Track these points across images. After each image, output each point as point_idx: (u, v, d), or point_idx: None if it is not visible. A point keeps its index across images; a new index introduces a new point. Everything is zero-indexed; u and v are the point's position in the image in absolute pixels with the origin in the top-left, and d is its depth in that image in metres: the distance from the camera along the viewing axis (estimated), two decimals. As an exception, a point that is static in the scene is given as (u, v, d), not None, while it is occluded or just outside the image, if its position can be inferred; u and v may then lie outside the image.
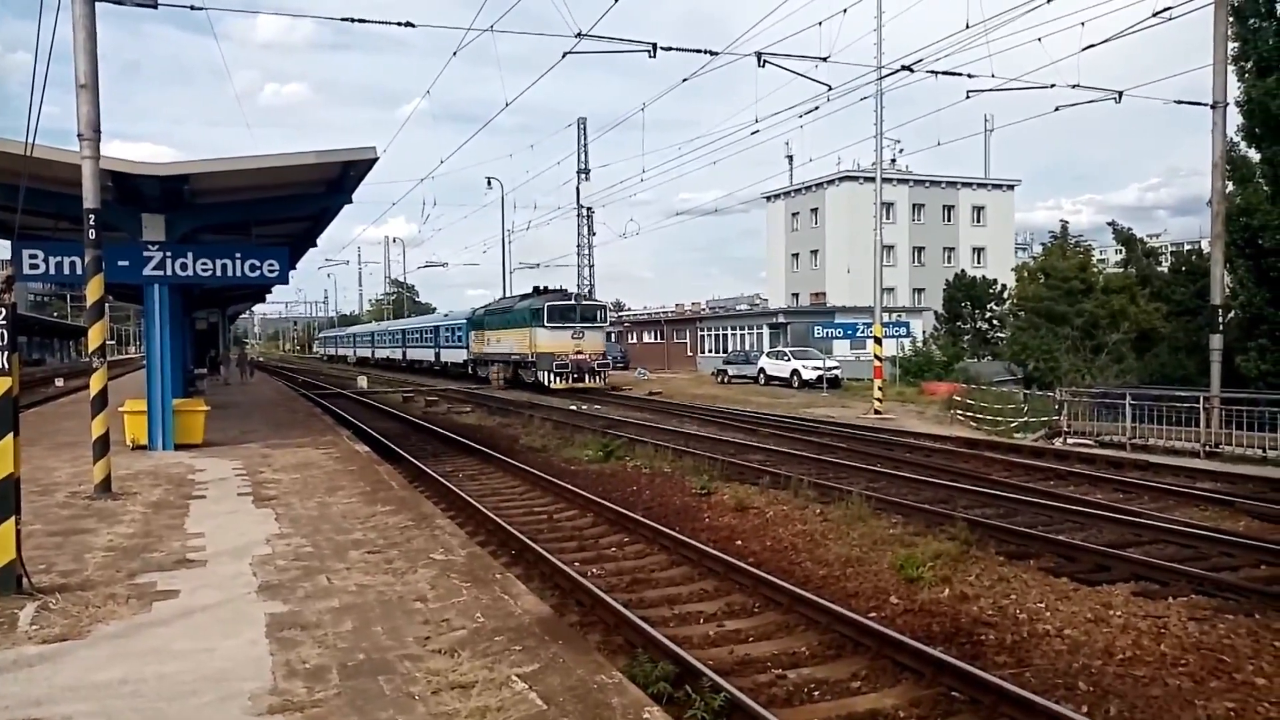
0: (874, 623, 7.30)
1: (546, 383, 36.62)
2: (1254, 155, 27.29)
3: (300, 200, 16.87)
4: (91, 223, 10.52)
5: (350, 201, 16.29)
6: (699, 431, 21.34)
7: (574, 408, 28.68)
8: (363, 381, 43.66)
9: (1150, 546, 9.92)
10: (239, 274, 15.34)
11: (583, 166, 57.40)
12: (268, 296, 49.17)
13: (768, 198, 71.93)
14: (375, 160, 13.92)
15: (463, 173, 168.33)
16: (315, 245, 22.82)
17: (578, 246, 59.30)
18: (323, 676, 5.02)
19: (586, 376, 37.02)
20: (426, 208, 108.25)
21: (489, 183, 53.84)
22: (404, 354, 63.74)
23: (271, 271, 15.60)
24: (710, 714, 5.61)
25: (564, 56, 17.22)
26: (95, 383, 10.70)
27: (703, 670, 6.17)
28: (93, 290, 10.58)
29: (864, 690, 6.34)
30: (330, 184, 15.72)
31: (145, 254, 14.45)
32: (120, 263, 14.15)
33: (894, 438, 20.07)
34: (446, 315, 58.56)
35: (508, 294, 61.19)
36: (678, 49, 17.61)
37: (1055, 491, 13.18)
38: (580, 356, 36.88)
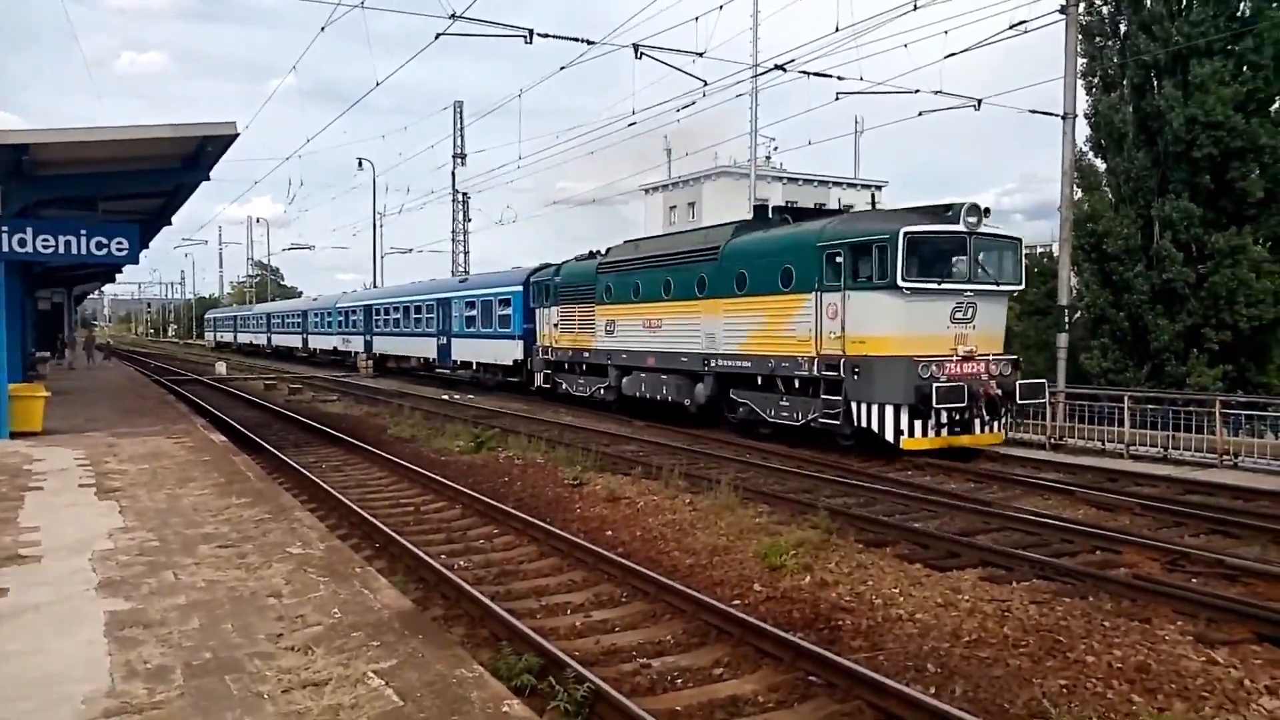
0: (737, 610, 7.45)
1: (890, 433, 14.89)
2: (1100, 165, 29.02)
3: (154, 175, 15.98)
4: (-87, 192, 9.69)
5: (208, 178, 15.57)
6: (575, 421, 21.30)
7: (445, 397, 28.18)
8: (221, 368, 41.87)
9: (998, 534, 10.43)
10: (84, 252, 14.46)
11: (458, 151, 56.43)
12: (118, 276, 46.40)
13: (646, 190, 72.32)
14: (235, 136, 13.32)
15: (333, 153, 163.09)
16: (170, 223, 21.70)
17: (452, 232, 58.26)
18: (165, 677, 4.77)
19: (989, 415, 15.52)
20: (293, 188, 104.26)
21: (360, 164, 52.21)
22: (367, 343, 42.05)
23: (120, 250, 14.75)
24: (574, 705, 5.60)
25: (437, 37, 16.86)
26: (-84, 365, 9.88)
27: (567, 661, 6.15)
28: (-86, 265, 9.76)
29: (726, 677, 6.45)
30: (187, 159, 14.96)
31: (-23, 228, 13.43)
32: (-52, 236, 13.12)
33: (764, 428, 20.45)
34: (464, 280, 35.77)
35: (378, 280, 57.73)
36: (554, 36, 17.49)
37: (912, 481, 13.72)
38: (973, 368, 15.21)
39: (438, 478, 13.29)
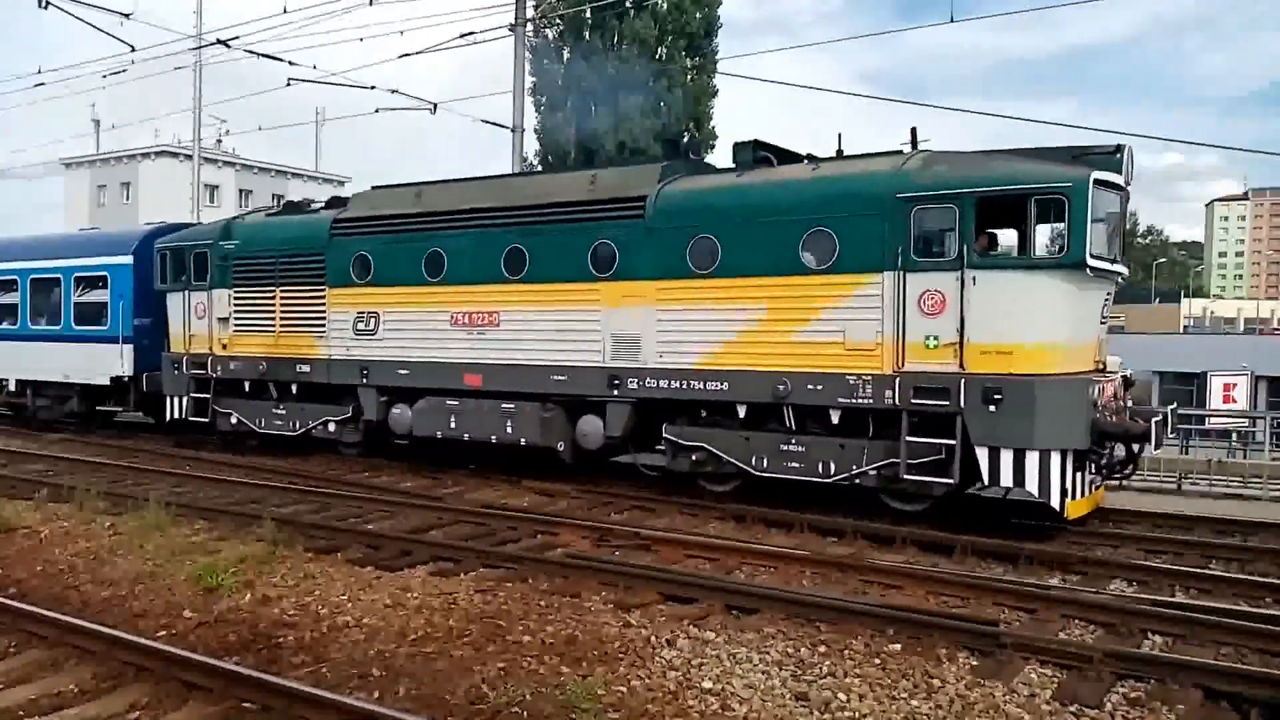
0: (161, 643, 6.63)
1: (1055, 494, 9.60)
2: (549, 177, 31.52)
3: None
4: None
5: None
6: (-39, 438, 17.57)
7: None
8: None
9: (450, 527, 10.64)
10: None
11: None
12: None
13: (67, 164, 62.74)
14: None
15: None
16: None
17: None
18: None
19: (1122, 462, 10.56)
20: None
21: None
22: None
23: None
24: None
25: None
26: None
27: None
28: None
29: (143, 722, 5.67)
30: None
31: None
32: None
33: (208, 436, 18.67)
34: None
35: None
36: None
37: (370, 482, 13.54)
38: (1111, 389, 10.40)
39: None
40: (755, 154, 12.01)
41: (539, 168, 30.82)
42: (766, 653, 6.68)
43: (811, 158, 12.03)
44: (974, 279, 9.77)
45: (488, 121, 23.06)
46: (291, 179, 67.33)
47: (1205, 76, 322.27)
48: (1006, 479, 9.77)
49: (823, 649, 6.73)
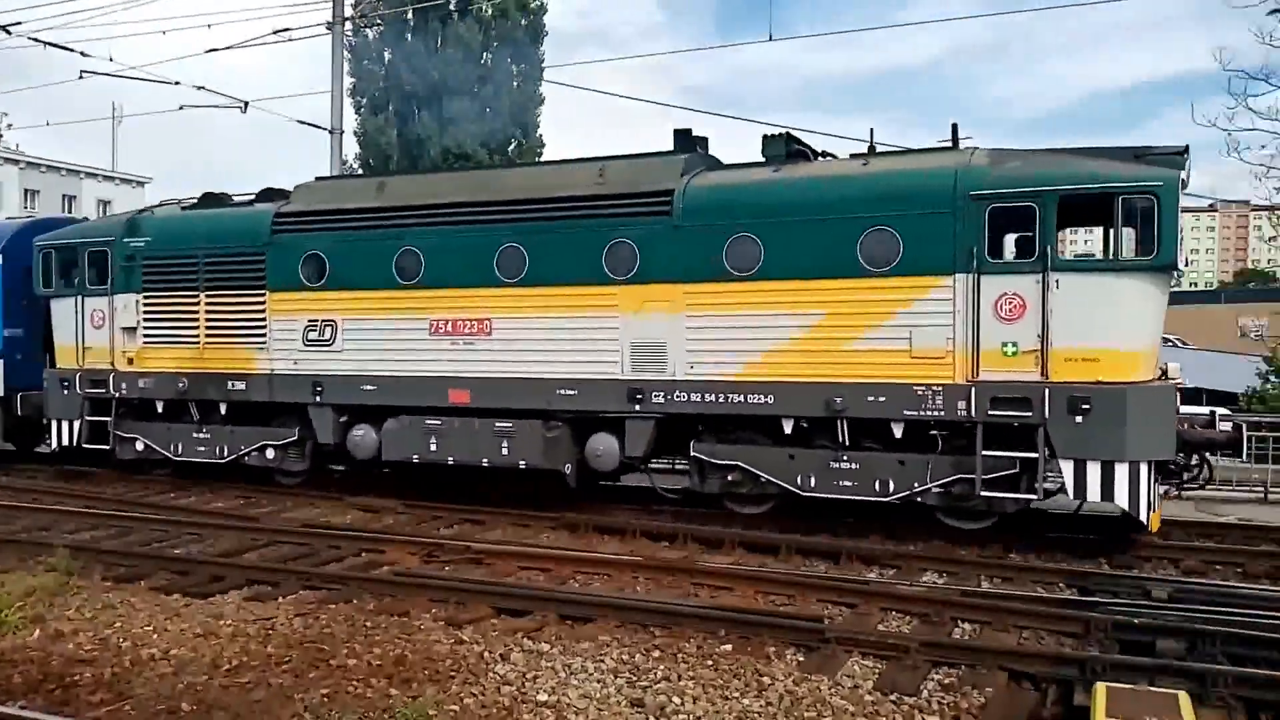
0: (-70, 691, 5.94)
1: (1144, 508, 9.11)
2: (370, 180, 30.50)
3: None
4: None
5: None
6: None
7: None
8: None
9: (267, 549, 10.11)
10: None
11: None
12: None
13: None
14: None
15: None
16: None
17: None
18: None
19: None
20: None
21: None
22: None
23: None
24: None
25: None
26: None
27: None
28: None
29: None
30: None
31: None
32: None
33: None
34: None
35: None
36: None
37: (175, 503, 12.67)
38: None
39: None
40: (789, 147, 11.06)
41: (360, 171, 29.84)
42: (601, 661, 6.66)
43: (827, 153, 11.53)
44: (1057, 281, 9.20)
45: (304, 122, 22.12)
46: (85, 179, 62.48)
47: (1000, 100, 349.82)
48: (1094, 493, 9.22)
49: (657, 654, 6.78)
